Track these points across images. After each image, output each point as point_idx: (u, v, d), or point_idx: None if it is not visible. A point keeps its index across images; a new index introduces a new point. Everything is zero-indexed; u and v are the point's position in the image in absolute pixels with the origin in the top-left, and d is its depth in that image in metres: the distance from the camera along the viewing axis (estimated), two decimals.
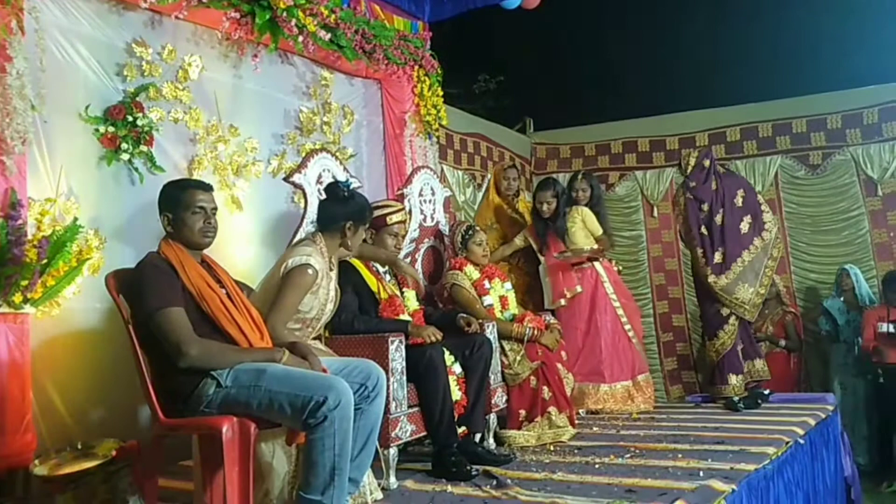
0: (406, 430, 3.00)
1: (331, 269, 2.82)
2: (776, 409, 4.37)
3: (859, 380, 5.62)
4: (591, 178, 4.97)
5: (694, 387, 6.52)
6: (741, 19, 8.93)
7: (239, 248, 3.81)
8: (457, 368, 3.32)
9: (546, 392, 3.76)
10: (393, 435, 2.91)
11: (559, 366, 3.95)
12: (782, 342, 6.00)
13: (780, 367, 5.79)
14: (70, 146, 3.18)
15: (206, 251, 2.52)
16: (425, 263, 4.13)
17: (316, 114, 4.38)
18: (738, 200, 4.72)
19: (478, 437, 3.44)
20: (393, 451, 2.92)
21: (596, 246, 4.63)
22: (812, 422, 3.90)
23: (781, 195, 6.52)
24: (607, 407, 4.44)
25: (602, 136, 7.27)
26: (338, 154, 4.01)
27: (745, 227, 4.68)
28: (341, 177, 3.48)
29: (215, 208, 2.51)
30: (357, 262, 3.28)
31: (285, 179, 3.53)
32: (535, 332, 3.84)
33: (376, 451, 2.63)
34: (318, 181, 3.48)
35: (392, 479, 2.90)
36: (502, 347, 3.77)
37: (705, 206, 4.69)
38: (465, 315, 3.52)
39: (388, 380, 2.76)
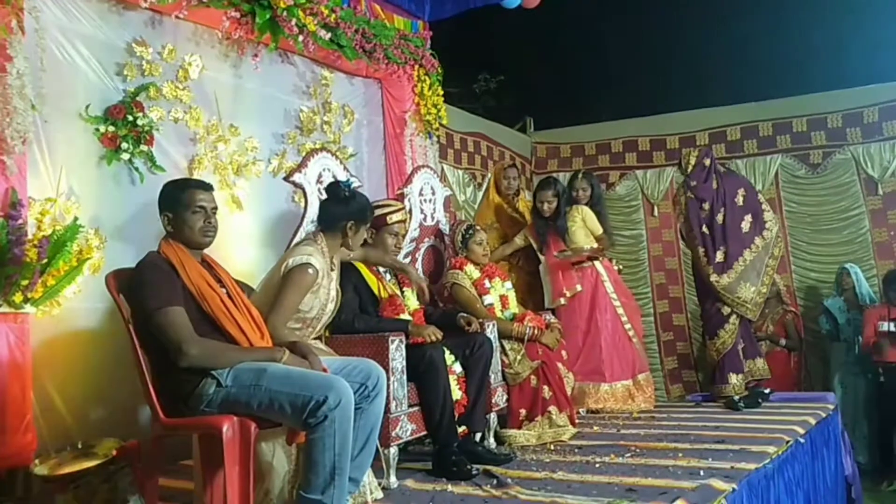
0: (406, 429, 2.99)
1: (332, 269, 2.82)
2: (777, 409, 4.37)
3: (860, 379, 5.61)
4: (592, 178, 4.97)
5: (694, 386, 6.53)
6: (741, 19, 8.91)
7: (239, 247, 3.81)
8: (457, 368, 3.32)
9: (546, 391, 3.76)
10: (393, 434, 2.91)
11: (559, 365, 3.94)
12: (783, 341, 5.99)
13: (781, 366, 5.79)
14: (70, 146, 3.18)
15: (206, 251, 2.52)
16: (425, 263, 4.13)
17: (316, 113, 4.38)
18: (739, 199, 4.73)
19: (478, 436, 3.44)
20: (393, 450, 2.92)
21: (596, 245, 4.62)
22: (812, 421, 3.90)
23: (782, 194, 6.52)
24: (608, 406, 4.43)
25: (602, 135, 7.26)
26: (338, 153, 4.01)
27: (746, 226, 4.68)
28: (341, 176, 3.48)
29: (215, 208, 2.50)
30: (357, 262, 3.28)
31: (285, 179, 3.53)
32: (536, 331, 3.84)
33: (377, 451, 2.62)
34: (319, 181, 3.48)
35: (392, 478, 2.90)
36: (503, 347, 3.77)
37: (706, 206, 4.69)
38: (465, 314, 3.52)
39: (388, 379, 2.76)
